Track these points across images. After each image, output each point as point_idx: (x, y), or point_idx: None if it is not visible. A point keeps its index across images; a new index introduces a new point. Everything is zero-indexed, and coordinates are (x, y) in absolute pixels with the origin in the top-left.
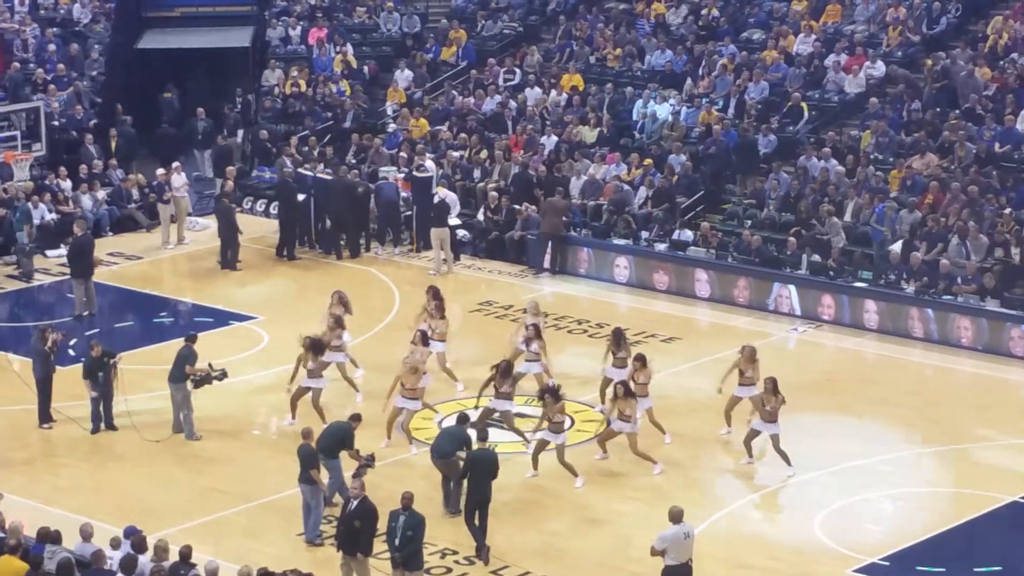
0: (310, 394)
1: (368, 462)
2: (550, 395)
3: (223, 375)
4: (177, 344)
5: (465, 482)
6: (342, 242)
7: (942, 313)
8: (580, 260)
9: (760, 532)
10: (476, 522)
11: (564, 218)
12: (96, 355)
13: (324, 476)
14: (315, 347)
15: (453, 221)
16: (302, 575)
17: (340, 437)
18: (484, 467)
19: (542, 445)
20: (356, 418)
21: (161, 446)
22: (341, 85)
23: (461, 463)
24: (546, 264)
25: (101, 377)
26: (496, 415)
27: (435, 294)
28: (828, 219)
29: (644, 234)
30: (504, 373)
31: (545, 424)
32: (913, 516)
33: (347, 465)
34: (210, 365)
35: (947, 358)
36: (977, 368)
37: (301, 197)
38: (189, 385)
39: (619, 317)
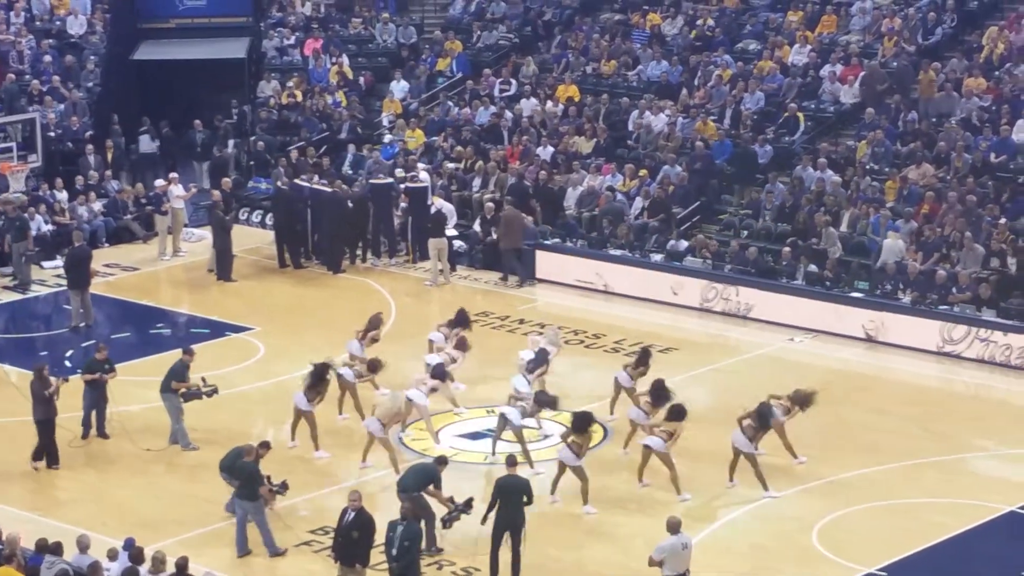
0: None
1: (279, 489)
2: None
3: (214, 391)
4: (173, 355)
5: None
6: (345, 254)
7: (937, 323)
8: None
9: (758, 542)
10: (500, 552)
11: (524, 229)
12: (100, 358)
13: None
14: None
15: (450, 232)
16: None
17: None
18: (513, 493)
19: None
20: (265, 445)
21: (158, 457)
22: (337, 96)
23: (424, 500)
24: (515, 278)
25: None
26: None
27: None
28: (824, 229)
29: (626, 250)
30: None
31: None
32: (911, 527)
33: None
34: (203, 380)
35: (942, 368)
36: (973, 378)
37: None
38: (179, 399)
39: (610, 327)
